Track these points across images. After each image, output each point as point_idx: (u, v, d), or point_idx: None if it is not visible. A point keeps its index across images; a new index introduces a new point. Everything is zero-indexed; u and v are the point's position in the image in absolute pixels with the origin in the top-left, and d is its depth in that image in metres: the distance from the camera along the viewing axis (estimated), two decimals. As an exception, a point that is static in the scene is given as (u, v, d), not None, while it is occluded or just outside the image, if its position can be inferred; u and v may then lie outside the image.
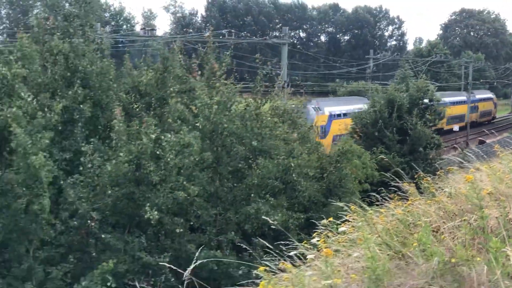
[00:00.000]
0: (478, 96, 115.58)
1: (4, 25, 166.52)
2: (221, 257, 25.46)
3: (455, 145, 73.93)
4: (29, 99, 25.66)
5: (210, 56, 36.92)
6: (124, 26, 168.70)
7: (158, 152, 27.48)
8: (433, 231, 7.28)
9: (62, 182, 26.19)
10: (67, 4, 40.88)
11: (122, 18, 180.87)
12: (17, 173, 24.21)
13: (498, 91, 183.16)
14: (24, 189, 24.10)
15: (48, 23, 33.24)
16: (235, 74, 36.11)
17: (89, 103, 30.21)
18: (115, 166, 26.25)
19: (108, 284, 23.37)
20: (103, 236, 25.87)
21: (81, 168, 26.42)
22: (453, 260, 5.99)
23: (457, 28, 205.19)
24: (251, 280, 8.01)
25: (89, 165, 26.17)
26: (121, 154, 26.52)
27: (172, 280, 24.72)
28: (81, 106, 29.64)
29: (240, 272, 25.22)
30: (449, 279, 5.80)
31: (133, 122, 29.13)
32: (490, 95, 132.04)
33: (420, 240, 6.63)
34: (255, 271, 7.99)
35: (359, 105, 75.95)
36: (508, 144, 19.31)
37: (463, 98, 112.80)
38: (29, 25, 41.93)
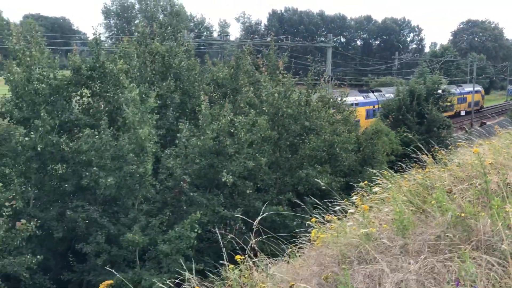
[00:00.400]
0: (466, 89, 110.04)
1: (112, 32, 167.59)
2: (281, 211, 25.58)
3: (463, 126, 73.27)
4: (132, 89, 26.03)
5: (272, 56, 37.14)
6: (205, 33, 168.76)
7: (232, 130, 27.79)
8: (447, 192, 7.30)
9: (158, 152, 26.53)
10: (161, 16, 41.04)
11: (203, 27, 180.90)
12: (128, 144, 24.59)
13: (497, 84, 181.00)
14: (133, 155, 24.47)
15: (147, 30, 33.72)
16: (292, 70, 36.22)
17: (179, 92, 30.71)
18: (203, 141, 26.53)
19: (195, 230, 23.59)
20: (191, 194, 26.16)
21: (176, 141, 26.81)
22: (463, 215, 6.03)
23: (464, 35, 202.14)
24: (303, 229, 8.08)
25: (183, 140, 26.46)
26: (208, 132, 26.82)
27: (244, 228, 24.90)
28: (173, 94, 30.12)
29: (295, 223, 25.31)
30: (460, 229, 5.86)
31: (214, 107, 29.43)
32: (478, 88, 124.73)
33: (437, 199, 6.67)
34: (307, 222, 8.09)
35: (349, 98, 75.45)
36: (505, 126, 19.18)
37: (453, 91, 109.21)
38: (132, 31, 42.16)
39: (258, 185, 30.04)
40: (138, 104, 25.57)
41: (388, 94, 73.57)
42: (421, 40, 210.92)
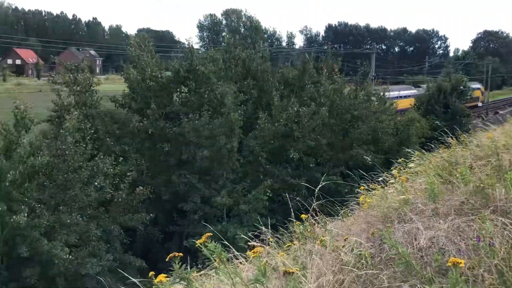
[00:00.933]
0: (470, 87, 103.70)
1: (205, 42, 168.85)
2: (336, 180, 25.51)
3: (480, 115, 71.65)
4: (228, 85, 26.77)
5: (328, 61, 37.01)
6: (275, 43, 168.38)
7: (296, 120, 27.96)
8: (468, 167, 7.13)
9: (241, 135, 26.91)
10: (243, 29, 41.35)
11: (274, 37, 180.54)
12: (220, 126, 25.13)
13: (507, 82, 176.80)
14: (223, 136, 24.93)
15: (231, 41, 34.00)
16: (344, 72, 36.12)
17: (256, 89, 30.88)
18: (276, 127, 26.87)
19: (267, 194, 23.86)
20: (267, 166, 26.47)
21: (257, 127, 27.17)
22: (482, 185, 5.89)
23: (481, 42, 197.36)
24: (353, 195, 7.99)
25: (262, 126, 26.76)
26: (281, 120, 27.17)
27: (307, 193, 24.94)
28: (252, 91, 30.36)
29: (346, 190, 25.10)
30: (480, 196, 5.72)
31: (284, 100, 29.57)
32: (478, 85, 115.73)
33: (461, 173, 6.53)
34: (356, 190, 8.01)
35: None
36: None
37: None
38: (220, 41, 42.40)
39: (318, 160, 30.12)
40: (231, 96, 26.19)
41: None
42: (447, 46, 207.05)
